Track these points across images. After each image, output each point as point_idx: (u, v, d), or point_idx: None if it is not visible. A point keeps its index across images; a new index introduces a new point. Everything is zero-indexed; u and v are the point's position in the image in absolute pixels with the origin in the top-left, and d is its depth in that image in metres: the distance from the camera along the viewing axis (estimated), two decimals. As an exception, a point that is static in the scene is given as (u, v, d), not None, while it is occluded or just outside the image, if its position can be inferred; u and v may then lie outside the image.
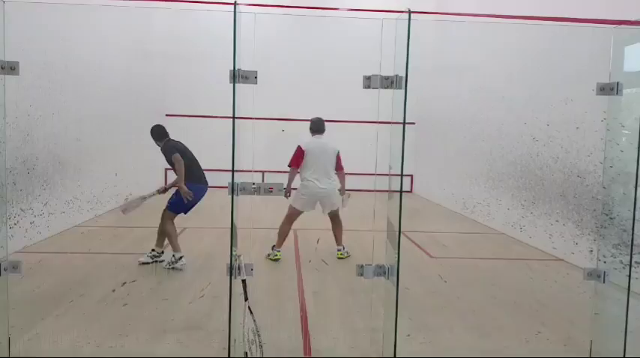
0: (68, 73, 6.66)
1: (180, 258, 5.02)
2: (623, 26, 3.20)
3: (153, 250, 5.20)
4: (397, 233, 2.75)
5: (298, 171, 5.52)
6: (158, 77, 11.23)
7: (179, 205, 5.06)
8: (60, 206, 6.49)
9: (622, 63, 3.27)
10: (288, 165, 5.50)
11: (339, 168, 5.62)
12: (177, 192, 5.11)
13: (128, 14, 9.12)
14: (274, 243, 5.54)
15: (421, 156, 11.00)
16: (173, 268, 4.98)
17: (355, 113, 10.74)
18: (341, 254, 5.62)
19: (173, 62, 11.60)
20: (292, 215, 5.56)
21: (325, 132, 5.70)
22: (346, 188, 5.75)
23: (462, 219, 8.79)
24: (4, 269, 2.92)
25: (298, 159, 5.43)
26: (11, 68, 2.85)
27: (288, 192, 5.37)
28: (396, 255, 2.76)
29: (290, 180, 5.43)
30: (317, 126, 5.60)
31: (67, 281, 4.48)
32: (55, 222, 6.30)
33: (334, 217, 5.72)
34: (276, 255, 5.47)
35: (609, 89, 3.07)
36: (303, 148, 5.43)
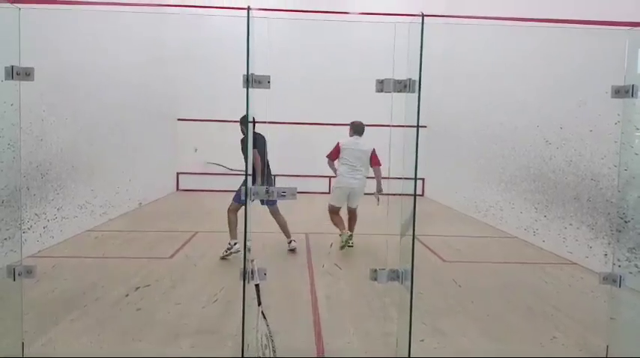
0: (81, 79, 6.73)
1: (235, 243, 5.52)
2: (637, 28, 3.16)
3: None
4: (411, 237, 2.74)
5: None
6: (170, 82, 11.33)
7: (238, 196, 5.54)
8: (73, 210, 6.55)
9: (636, 65, 3.23)
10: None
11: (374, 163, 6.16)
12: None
13: (141, 20, 9.22)
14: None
15: (433, 159, 10.95)
16: (229, 254, 5.50)
17: (368, 117, 10.75)
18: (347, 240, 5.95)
19: (185, 67, 11.71)
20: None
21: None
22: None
23: (474, 222, 8.73)
24: (19, 274, 2.95)
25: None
26: (26, 74, 2.88)
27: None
28: (411, 260, 2.74)
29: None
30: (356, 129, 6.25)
31: (81, 285, 4.51)
32: (68, 226, 6.36)
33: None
34: (347, 241, 5.93)
35: (624, 92, 3.03)
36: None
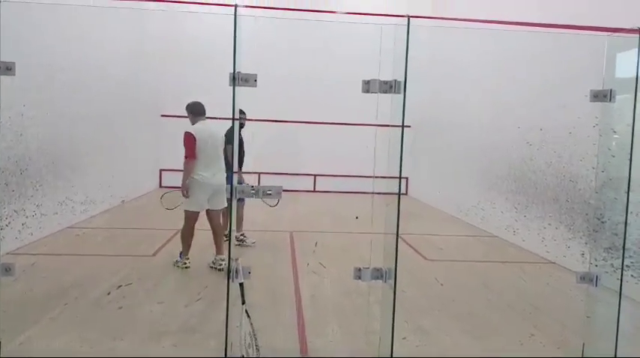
0: (63, 74, 6.61)
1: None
2: (617, 34, 3.25)
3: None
4: (395, 236, 2.77)
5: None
6: (154, 78, 11.19)
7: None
8: (53, 207, 6.43)
9: (615, 70, 3.31)
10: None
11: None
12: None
13: (125, 15, 9.10)
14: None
15: (416, 159, 11.05)
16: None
17: (354, 116, 10.79)
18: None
19: (169, 64, 11.58)
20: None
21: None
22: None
23: (456, 221, 8.84)
24: (-2, 272, 2.90)
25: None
26: (7, 68, 2.84)
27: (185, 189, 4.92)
28: (394, 258, 2.77)
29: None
30: (198, 109, 5.07)
31: (61, 283, 4.43)
32: (47, 223, 6.24)
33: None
34: (185, 263, 5.07)
35: (602, 96, 3.11)
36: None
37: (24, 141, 5.65)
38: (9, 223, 5.36)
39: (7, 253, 5.18)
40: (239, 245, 5.84)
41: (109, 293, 4.23)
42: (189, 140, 4.81)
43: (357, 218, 6.08)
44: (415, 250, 6.29)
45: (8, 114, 5.21)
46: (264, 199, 4.77)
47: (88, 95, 7.43)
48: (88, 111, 7.45)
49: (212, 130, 4.99)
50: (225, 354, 2.97)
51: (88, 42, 7.47)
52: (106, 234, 6.73)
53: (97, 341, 3.29)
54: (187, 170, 4.85)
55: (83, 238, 6.38)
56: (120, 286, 4.43)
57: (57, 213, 6.54)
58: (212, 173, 4.94)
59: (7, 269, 2.94)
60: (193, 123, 5.01)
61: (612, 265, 4.66)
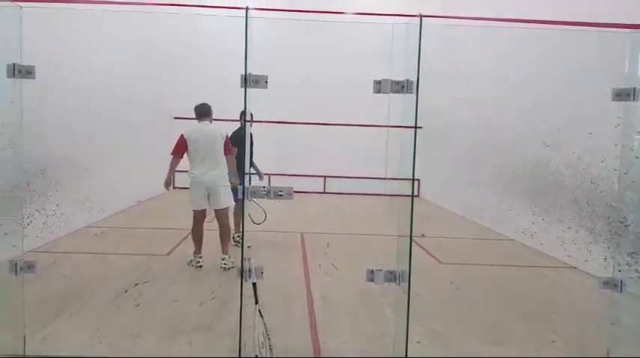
0: (80, 77, 6.73)
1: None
2: (639, 31, 3.15)
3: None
4: (408, 238, 2.74)
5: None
6: (167, 81, 11.31)
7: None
8: (71, 207, 6.56)
9: (638, 68, 3.22)
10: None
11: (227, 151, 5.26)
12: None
13: (139, 19, 9.22)
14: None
15: (428, 160, 10.91)
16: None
17: (365, 117, 10.74)
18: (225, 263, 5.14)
19: (183, 66, 11.69)
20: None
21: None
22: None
23: (470, 224, 8.70)
24: (20, 269, 2.97)
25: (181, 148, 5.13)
26: (28, 72, 2.91)
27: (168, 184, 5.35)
28: (408, 261, 2.75)
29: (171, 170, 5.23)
30: (202, 111, 5.30)
31: (80, 281, 4.52)
32: (67, 222, 6.37)
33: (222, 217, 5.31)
34: (199, 262, 5.17)
35: (625, 95, 3.02)
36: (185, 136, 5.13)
37: (44, 143, 5.77)
38: (30, 222, 5.48)
39: (29, 251, 5.30)
40: (235, 245, 5.75)
41: (126, 291, 4.30)
42: (178, 139, 5.18)
43: (423, 235, 6.07)
44: (428, 253, 6.21)
45: (28, 116, 5.32)
46: (249, 214, 5.02)
47: (103, 98, 7.55)
48: (103, 114, 7.57)
49: (209, 131, 5.17)
50: (240, 354, 2.99)
51: (103, 45, 7.59)
52: (122, 233, 6.84)
53: (115, 337, 3.35)
54: (170, 166, 5.23)
55: (101, 237, 6.50)
56: (137, 284, 4.49)
57: (75, 213, 6.67)
58: (203, 171, 5.10)
59: (30, 267, 3.02)
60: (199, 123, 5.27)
61: (637, 270, 4.54)
